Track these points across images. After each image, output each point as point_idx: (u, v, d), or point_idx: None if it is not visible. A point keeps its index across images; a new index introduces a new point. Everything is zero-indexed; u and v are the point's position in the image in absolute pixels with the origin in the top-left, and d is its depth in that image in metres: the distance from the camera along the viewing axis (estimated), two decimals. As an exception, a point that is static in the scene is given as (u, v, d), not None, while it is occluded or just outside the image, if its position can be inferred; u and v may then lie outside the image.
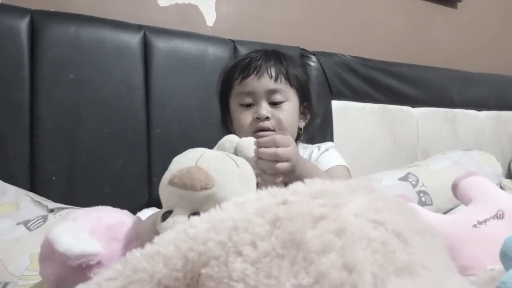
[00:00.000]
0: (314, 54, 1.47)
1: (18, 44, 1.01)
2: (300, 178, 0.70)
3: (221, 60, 1.25)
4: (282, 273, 0.34)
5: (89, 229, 0.52)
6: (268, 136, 0.69)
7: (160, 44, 1.18)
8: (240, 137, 0.88)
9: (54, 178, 1.01)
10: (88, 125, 1.07)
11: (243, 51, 1.28)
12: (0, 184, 0.87)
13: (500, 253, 0.43)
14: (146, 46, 1.16)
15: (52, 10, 1.12)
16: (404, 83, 1.69)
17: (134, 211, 1.03)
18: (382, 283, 0.33)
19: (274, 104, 0.89)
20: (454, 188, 0.72)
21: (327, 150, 0.95)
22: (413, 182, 1.28)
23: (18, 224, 0.73)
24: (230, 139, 0.62)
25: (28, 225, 0.73)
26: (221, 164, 0.54)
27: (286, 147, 0.68)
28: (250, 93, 0.89)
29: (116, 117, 1.10)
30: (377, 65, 1.62)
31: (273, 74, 0.89)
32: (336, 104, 1.50)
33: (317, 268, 0.33)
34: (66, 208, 0.81)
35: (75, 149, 1.05)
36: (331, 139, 1.45)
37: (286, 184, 0.69)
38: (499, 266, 0.57)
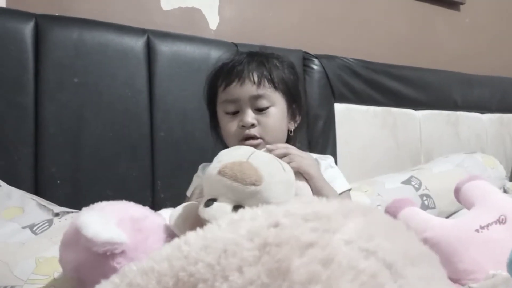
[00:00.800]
0: (316, 57, 1.47)
1: (23, 48, 1.02)
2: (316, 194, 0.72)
3: (224, 64, 1.26)
4: (265, 302, 0.33)
5: (115, 219, 0.53)
6: (281, 149, 0.72)
7: (164, 48, 1.19)
8: (228, 144, 0.90)
9: (58, 181, 1.02)
10: (92, 128, 1.07)
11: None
12: (6, 188, 0.87)
13: (508, 262, 0.43)
14: (149, 49, 1.17)
15: (56, 14, 1.13)
16: (406, 85, 1.69)
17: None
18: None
19: (259, 110, 0.86)
20: (457, 192, 0.73)
21: (331, 167, 0.92)
22: (416, 186, 1.28)
23: (23, 228, 0.74)
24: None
25: (34, 229, 0.73)
26: (270, 165, 0.56)
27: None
28: (234, 101, 0.87)
29: (120, 120, 1.11)
30: (380, 68, 1.63)
31: (256, 79, 0.86)
32: (338, 107, 1.50)
33: (301, 300, 0.32)
34: (72, 212, 0.82)
35: (80, 152, 1.05)
36: (334, 143, 1.45)
37: None
38: (501, 271, 0.57)
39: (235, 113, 0.87)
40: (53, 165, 1.02)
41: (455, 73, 1.88)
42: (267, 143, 0.86)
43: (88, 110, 1.07)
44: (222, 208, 0.51)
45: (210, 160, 1.02)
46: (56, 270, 0.62)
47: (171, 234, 0.57)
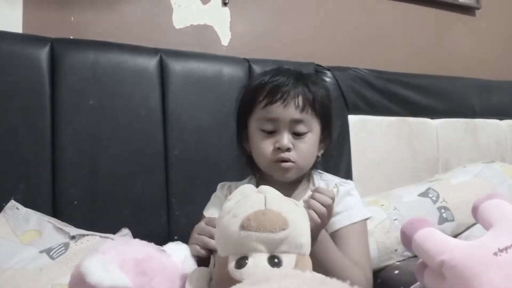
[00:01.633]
0: (329, 70, 1.46)
1: (39, 73, 1.04)
2: (319, 261, 0.71)
3: (236, 80, 1.26)
4: None
5: (118, 262, 0.53)
6: (327, 197, 0.73)
7: (176, 67, 1.20)
8: (259, 162, 0.89)
9: (76, 202, 1.04)
10: (108, 149, 1.09)
11: (258, 69, 1.29)
12: (24, 211, 0.89)
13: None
14: (162, 69, 1.18)
15: (71, 37, 1.16)
16: (422, 94, 1.66)
17: (152, 232, 1.05)
18: None
19: (296, 134, 0.85)
20: (474, 211, 0.71)
21: (349, 195, 0.90)
22: (434, 198, 1.26)
23: (41, 252, 0.75)
24: (252, 189, 0.59)
25: (51, 253, 0.75)
26: (287, 204, 0.55)
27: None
28: (273, 120, 0.85)
29: (135, 140, 1.13)
30: (394, 77, 1.61)
31: (300, 103, 0.84)
32: (352, 119, 1.49)
33: None
34: (87, 235, 0.83)
35: (96, 173, 1.07)
36: (349, 155, 1.44)
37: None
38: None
39: (271, 132, 0.86)
40: (70, 187, 1.04)
41: (472, 79, 1.85)
42: (299, 167, 0.86)
43: (103, 131, 1.09)
44: (258, 264, 0.49)
45: (223, 176, 1.03)
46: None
47: (176, 272, 0.56)
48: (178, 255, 0.61)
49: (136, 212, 1.10)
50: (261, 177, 0.94)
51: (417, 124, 1.64)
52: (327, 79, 1.45)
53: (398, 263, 1.13)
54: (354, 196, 0.91)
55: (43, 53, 1.06)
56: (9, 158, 0.99)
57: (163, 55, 1.19)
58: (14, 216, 0.88)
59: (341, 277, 0.49)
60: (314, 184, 0.93)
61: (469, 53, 2.01)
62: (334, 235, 0.85)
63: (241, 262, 0.50)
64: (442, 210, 1.24)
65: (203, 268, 0.60)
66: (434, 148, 1.67)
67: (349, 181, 0.95)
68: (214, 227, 0.59)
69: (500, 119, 1.89)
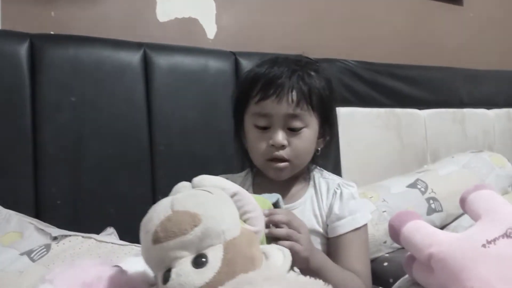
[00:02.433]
0: (317, 62, 1.45)
1: (19, 69, 1.01)
2: (317, 271, 0.70)
3: (223, 74, 1.25)
4: None
5: None
6: (282, 215, 0.67)
7: (161, 61, 1.18)
8: (253, 159, 0.87)
9: (59, 201, 1.01)
10: (92, 147, 1.06)
11: (244, 63, 1.27)
12: (5, 212, 0.87)
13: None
14: (146, 63, 1.16)
15: (51, 33, 1.13)
16: (410, 85, 1.66)
17: (138, 230, 1.03)
18: None
19: (291, 129, 0.81)
20: (462, 202, 0.71)
21: (353, 198, 0.87)
22: (422, 189, 1.26)
23: (21, 254, 0.73)
24: (184, 185, 0.58)
25: (32, 255, 0.73)
26: (195, 199, 0.51)
27: (299, 233, 0.68)
28: (266, 116, 0.81)
29: (119, 136, 1.10)
30: (382, 68, 1.60)
31: (295, 98, 0.80)
32: (341, 111, 1.48)
33: None
34: (70, 235, 0.81)
35: (79, 171, 1.05)
36: (337, 147, 1.43)
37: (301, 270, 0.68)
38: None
39: (265, 128, 0.82)
40: (53, 186, 1.01)
41: (460, 69, 1.85)
42: (294, 166, 0.83)
43: (86, 128, 1.06)
44: (180, 271, 0.46)
45: (210, 171, 1.00)
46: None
47: None
48: (136, 269, 0.58)
49: (122, 210, 1.08)
50: (257, 172, 0.91)
51: (405, 115, 1.64)
52: (315, 71, 1.44)
53: (387, 255, 1.13)
54: (358, 199, 0.88)
55: (23, 49, 1.02)
56: (-11, 157, 0.96)
57: (147, 50, 1.17)
58: (-6, 217, 0.85)
59: None
60: (314, 182, 0.89)
61: (457, 43, 2.01)
62: (336, 240, 0.83)
63: (166, 276, 0.47)
64: (431, 201, 1.24)
65: None
66: (422, 138, 1.67)
67: (351, 183, 0.91)
68: None
69: (488, 109, 1.90)
